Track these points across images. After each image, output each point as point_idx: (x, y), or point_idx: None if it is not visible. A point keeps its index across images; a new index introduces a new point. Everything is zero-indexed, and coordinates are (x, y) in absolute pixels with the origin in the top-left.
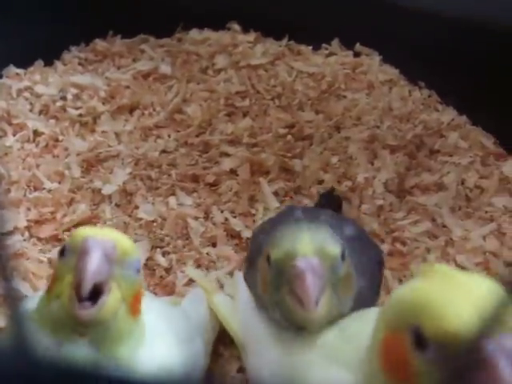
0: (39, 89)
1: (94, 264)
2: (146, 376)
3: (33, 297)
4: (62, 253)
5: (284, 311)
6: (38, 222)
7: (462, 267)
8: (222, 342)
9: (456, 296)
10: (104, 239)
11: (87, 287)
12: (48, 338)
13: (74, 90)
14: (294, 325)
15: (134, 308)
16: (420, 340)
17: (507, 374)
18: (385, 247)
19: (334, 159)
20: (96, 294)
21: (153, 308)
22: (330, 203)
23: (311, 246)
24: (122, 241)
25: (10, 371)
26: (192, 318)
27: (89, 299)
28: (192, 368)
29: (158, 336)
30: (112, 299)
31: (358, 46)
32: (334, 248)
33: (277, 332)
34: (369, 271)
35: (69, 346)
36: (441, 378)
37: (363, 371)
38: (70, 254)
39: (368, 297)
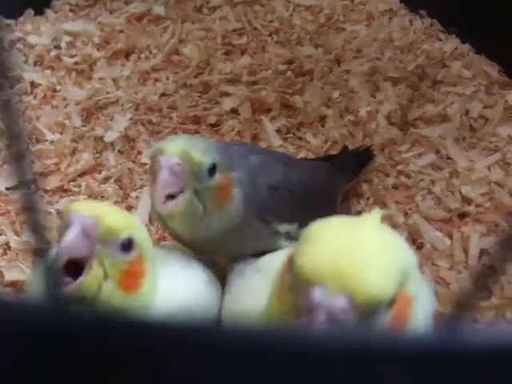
0: (32, 39)
1: (69, 239)
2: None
3: None
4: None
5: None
6: (42, 175)
7: (467, 198)
8: None
9: (317, 245)
10: (85, 215)
11: (61, 262)
12: None
13: (67, 38)
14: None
15: (128, 284)
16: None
17: (318, 324)
18: (390, 181)
19: (336, 93)
20: (79, 270)
21: (164, 263)
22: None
23: (177, 148)
24: (109, 218)
25: (46, 326)
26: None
27: (71, 275)
28: (209, 303)
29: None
30: (91, 277)
31: None
32: (202, 157)
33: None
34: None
35: None
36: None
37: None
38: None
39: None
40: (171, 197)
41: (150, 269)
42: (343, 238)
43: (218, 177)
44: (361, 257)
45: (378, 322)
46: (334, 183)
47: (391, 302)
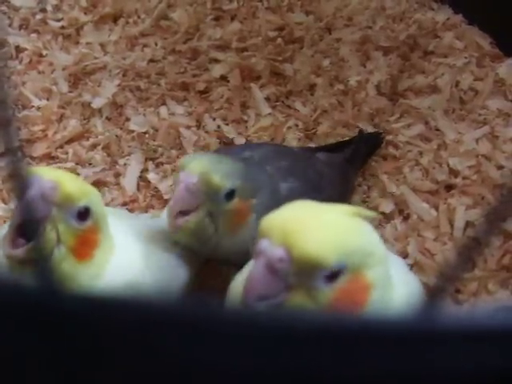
0: (16, 1)
1: (25, 201)
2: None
3: None
4: None
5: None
6: (29, 141)
7: (454, 170)
8: None
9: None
10: (44, 179)
11: (15, 223)
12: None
13: (53, 1)
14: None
15: (80, 252)
16: None
17: (257, 269)
18: (378, 151)
19: (326, 62)
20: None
21: (120, 227)
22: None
23: (198, 167)
24: (68, 184)
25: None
26: None
27: (26, 238)
28: (168, 280)
29: (126, 255)
30: (43, 242)
31: None
32: (221, 181)
33: None
34: None
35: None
36: None
37: None
38: None
39: None
40: (184, 213)
41: (104, 240)
42: (303, 209)
43: (235, 202)
44: (309, 222)
45: (318, 288)
46: (349, 181)
47: (333, 274)
